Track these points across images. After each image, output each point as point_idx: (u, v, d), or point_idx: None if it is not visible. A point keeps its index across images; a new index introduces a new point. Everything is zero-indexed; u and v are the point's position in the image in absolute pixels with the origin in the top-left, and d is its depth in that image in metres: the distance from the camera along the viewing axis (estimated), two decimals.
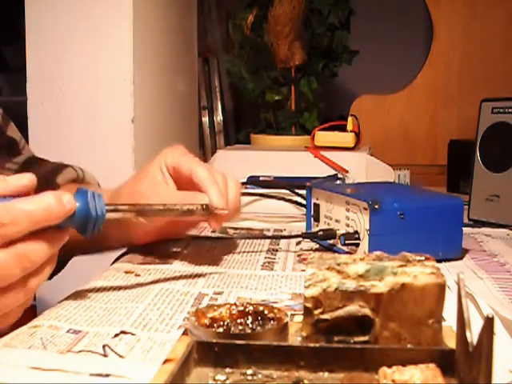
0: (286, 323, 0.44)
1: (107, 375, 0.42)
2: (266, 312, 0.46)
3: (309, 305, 0.42)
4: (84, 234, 0.53)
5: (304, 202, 0.92)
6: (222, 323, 0.45)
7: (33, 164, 0.83)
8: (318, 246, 0.82)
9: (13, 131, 0.86)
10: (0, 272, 0.47)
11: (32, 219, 0.47)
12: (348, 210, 0.75)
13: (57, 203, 0.49)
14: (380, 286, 0.41)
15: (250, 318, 0.45)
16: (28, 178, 0.51)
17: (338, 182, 1.08)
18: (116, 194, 0.70)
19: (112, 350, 0.46)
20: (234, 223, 0.98)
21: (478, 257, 0.76)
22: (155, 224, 0.69)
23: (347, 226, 0.75)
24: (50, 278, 0.81)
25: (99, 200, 0.53)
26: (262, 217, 1.03)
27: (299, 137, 1.46)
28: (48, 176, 0.79)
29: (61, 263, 0.81)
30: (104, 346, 0.47)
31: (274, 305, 0.54)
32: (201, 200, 0.64)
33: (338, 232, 0.75)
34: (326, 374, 0.39)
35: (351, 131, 1.21)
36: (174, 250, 0.79)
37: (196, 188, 0.67)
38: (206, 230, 0.93)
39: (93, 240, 0.65)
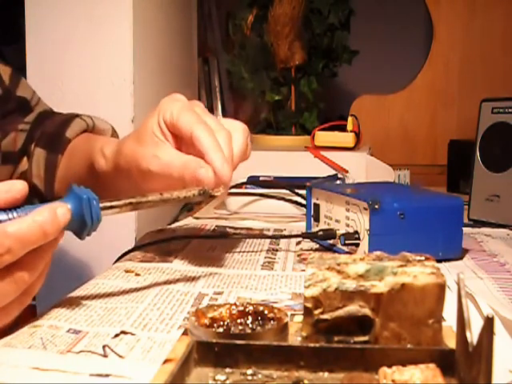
0: (286, 323, 0.44)
1: (107, 375, 0.42)
2: (265, 312, 0.46)
3: (309, 305, 0.42)
4: (79, 238, 0.53)
5: (304, 202, 0.92)
6: (221, 323, 0.45)
7: (43, 120, 0.80)
8: (318, 245, 0.82)
9: (24, 90, 0.83)
10: None
11: (27, 244, 0.46)
12: (348, 210, 0.75)
13: (51, 220, 0.47)
14: (380, 286, 0.41)
15: (249, 317, 0.45)
16: (17, 190, 0.48)
17: (338, 182, 1.08)
18: (119, 152, 0.66)
19: (112, 350, 0.46)
20: (234, 223, 0.98)
21: (477, 257, 0.76)
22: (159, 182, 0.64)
23: (347, 226, 0.75)
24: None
25: (94, 205, 0.51)
26: (261, 217, 1.03)
27: (299, 137, 1.46)
28: (57, 131, 0.76)
29: None
30: (104, 347, 0.47)
31: (274, 305, 0.54)
32: (205, 171, 0.60)
33: (338, 232, 0.75)
34: (326, 374, 0.39)
35: (351, 131, 1.21)
36: (174, 249, 0.79)
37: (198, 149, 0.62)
38: (206, 230, 0.93)
39: (104, 191, 0.64)
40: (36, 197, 0.75)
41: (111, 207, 0.54)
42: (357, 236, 0.73)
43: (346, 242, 0.73)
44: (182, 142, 0.65)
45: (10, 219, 0.47)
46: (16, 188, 0.48)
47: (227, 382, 0.38)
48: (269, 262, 0.74)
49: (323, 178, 1.07)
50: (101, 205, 0.53)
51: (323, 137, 1.20)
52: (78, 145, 0.75)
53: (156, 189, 0.65)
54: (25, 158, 0.77)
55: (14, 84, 0.81)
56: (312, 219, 0.85)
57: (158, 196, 0.58)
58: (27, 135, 0.78)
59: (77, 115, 0.80)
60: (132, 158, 0.65)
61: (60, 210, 0.48)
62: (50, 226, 0.47)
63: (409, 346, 0.42)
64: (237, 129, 0.66)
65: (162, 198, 0.58)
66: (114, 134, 0.85)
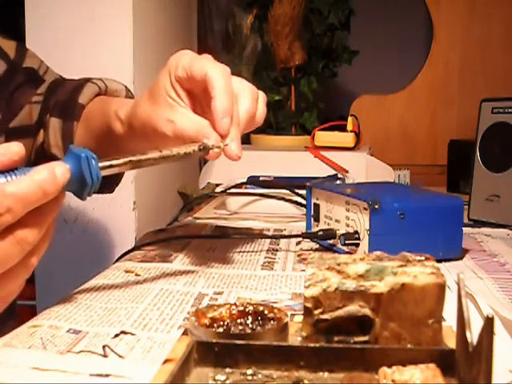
0: (286, 323, 0.44)
1: (107, 375, 0.42)
2: (266, 312, 0.46)
3: (309, 305, 0.42)
4: (80, 198, 0.51)
5: (304, 202, 0.92)
6: (222, 323, 0.45)
7: (55, 89, 0.79)
8: (318, 245, 0.82)
9: (31, 60, 0.81)
10: (0, 260, 0.46)
11: (27, 203, 0.46)
12: (348, 210, 0.75)
13: (51, 179, 0.47)
14: (380, 286, 0.41)
15: (249, 317, 0.45)
16: (14, 151, 0.48)
17: (338, 181, 1.08)
18: (134, 115, 0.66)
19: (112, 350, 0.46)
20: (234, 223, 0.98)
21: (477, 257, 0.76)
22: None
23: (347, 226, 0.75)
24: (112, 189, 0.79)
25: (93, 164, 0.50)
26: (262, 217, 1.03)
27: (299, 137, 1.46)
28: (70, 99, 0.75)
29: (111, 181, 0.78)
30: (104, 347, 0.47)
31: (274, 305, 0.54)
32: (210, 132, 0.60)
33: (338, 232, 0.75)
34: (326, 374, 0.39)
35: (351, 131, 1.21)
36: (174, 249, 0.79)
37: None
38: (206, 230, 0.93)
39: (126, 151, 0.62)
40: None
41: (110, 166, 0.53)
42: (357, 236, 0.73)
43: (346, 242, 0.73)
44: (197, 99, 0.64)
45: (8, 181, 0.47)
46: (12, 150, 0.48)
47: (227, 382, 0.38)
48: (269, 262, 0.74)
49: (323, 177, 1.07)
50: (100, 164, 0.51)
51: (323, 137, 1.20)
52: (92, 110, 0.75)
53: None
54: (42, 130, 0.76)
55: (21, 57, 0.80)
56: (312, 219, 0.85)
57: (158, 153, 0.56)
58: (42, 106, 0.77)
59: (88, 79, 0.79)
60: (147, 120, 0.63)
61: (58, 169, 0.48)
62: (49, 185, 0.47)
63: (409, 346, 0.42)
64: (246, 90, 0.64)
65: (162, 155, 0.57)
66: (128, 93, 0.83)
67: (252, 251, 0.80)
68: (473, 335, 0.34)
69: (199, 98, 0.64)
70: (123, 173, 0.77)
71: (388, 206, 0.70)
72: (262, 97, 0.66)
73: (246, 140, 1.62)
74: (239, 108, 0.62)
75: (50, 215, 0.49)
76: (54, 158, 0.72)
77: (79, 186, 0.50)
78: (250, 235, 0.89)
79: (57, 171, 0.48)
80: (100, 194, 0.77)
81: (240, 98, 0.63)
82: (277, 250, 0.80)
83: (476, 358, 0.33)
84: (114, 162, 0.53)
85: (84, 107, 0.74)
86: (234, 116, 0.60)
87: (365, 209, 0.71)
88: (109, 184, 0.79)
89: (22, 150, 0.48)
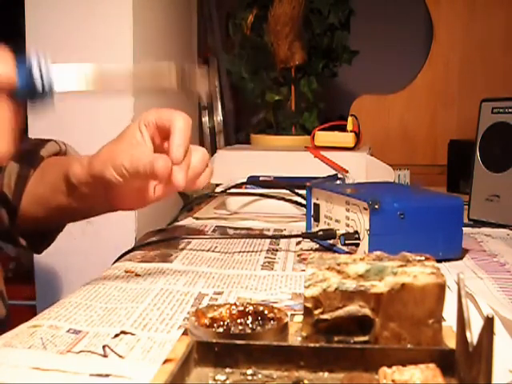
0: (286, 323, 0.44)
1: (107, 375, 0.42)
2: (266, 312, 0.46)
3: (309, 305, 0.42)
4: (33, 101, 0.48)
5: (304, 202, 0.92)
6: (222, 323, 0.45)
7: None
8: (318, 245, 0.82)
9: None
10: None
11: None
12: (348, 210, 0.75)
13: None
14: (380, 286, 0.41)
15: (249, 317, 0.45)
16: None
17: (338, 182, 1.08)
18: (96, 155, 0.69)
19: (112, 350, 0.46)
20: (234, 223, 0.98)
21: (477, 257, 0.76)
22: (130, 183, 0.67)
23: (347, 226, 0.75)
24: (52, 241, 0.82)
25: (45, 63, 0.48)
26: (262, 217, 1.03)
27: (299, 137, 1.46)
28: (32, 149, 0.79)
29: (52, 233, 0.82)
30: (104, 347, 0.47)
31: (274, 305, 0.54)
32: (160, 158, 0.63)
33: (338, 232, 0.75)
34: (326, 374, 0.39)
35: (351, 131, 1.21)
36: (174, 249, 0.79)
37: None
38: (206, 230, 0.93)
39: (82, 208, 0.71)
40: (3, 205, 0.77)
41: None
42: (357, 236, 0.73)
43: (346, 242, 0.73)
44: (158, 147, 0.68)
45: None
46: None
47: (227, 382, 0.38)
48: (269, 262, 0.74)
49: (323, 177, 1.07)
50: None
51: (323, 137, 1.20)
52: (51, 162, 0.79)
53: (127, 195, 0.69)
54: None
55: None
56: (312, 219, 0.85)
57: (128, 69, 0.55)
58: None
59: (50, 139, 0.84)
60: (108, 156, 0.67)
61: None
62: None
63: (409, 346, 0.42)
64: (201, 150, 0.70)
65: (134, 71, 0.56)
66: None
67: (252, 251, 0.80)
68: (473, 335, 0.34)
69: (161, 146, 0.68)
70: (55, 235, 0.82)
71: (388, 206, 0.70)
72: (211, 164, 0.72)
73: (245, 140, 1.62)
74: (191, 159, 0.67)
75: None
76: (3, 196, 0.76)
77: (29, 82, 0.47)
78: (250, 235, 0.89)
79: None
80: (29, 250, 0.81)
81: (194, 152, 0.68)
82: (277, 250, 0.80)
83: (476, 358, 0.33)
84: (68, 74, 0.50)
85: (43, 159, 0.78)
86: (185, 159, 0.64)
87: (365, 209, 0.71)
88: (38, 244, 0.82)
89: None
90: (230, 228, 0.94)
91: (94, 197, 0.71)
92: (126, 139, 0.68)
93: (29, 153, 0.79)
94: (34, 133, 1.26)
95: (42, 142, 0.81)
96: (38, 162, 0.78)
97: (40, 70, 0.46)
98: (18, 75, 0.46)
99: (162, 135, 0.68)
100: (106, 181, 0.66)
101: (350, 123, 1.21)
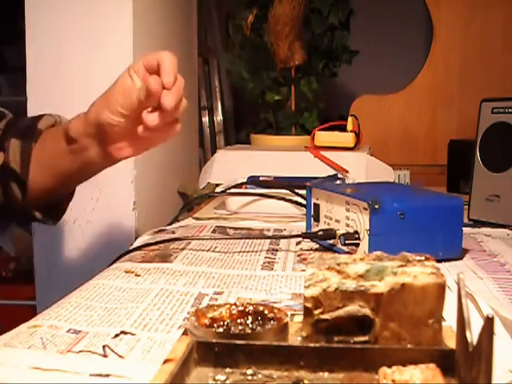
0: (286, 323, 0.44)
1: (107, 375, 0.42)
2: (266, 312, 0.46)
3: (309, 305, 0.42)
4: None
5: (304, 201, 0.92)
6: (222, 323, 0.45)
7: (13, 121, 0.87)
8: (318, 246, 0.82)
9: None
10: None
11: None
12: (348, 210, 0.75)
13: None
14: (380, 286, 0.41)
15: (249, 318, 0.45)
16: None
17: (338, 181, 1.08)
18: (91, 105, 0.74)
19: (112, 350, 0.46)
20: (234, 223, 0.98)
21: (477, 257, 0.76)
22: (126, 123, 0.71)
23: (347, 226, 0.75)
24: (64, 210, 0.86)
25: None
26: (262, 217, 1.03)
27: (299, 137, 1.46)
28: (30, 125, 0.83)
29: (68, 195, 0.85)
30: (104, 347, 0.47)
31: (274, 305, 0.54)
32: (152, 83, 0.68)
33: (338, 232, 0.75)
34: (326, 374, 0.39)
35: (351, 131, 1.20)
36: (174, 249, 0.79)
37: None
38: (206, 230, 0.93)
39: (82, 166, 0.76)
40: (13, 178, 0.80)
41: None
42: (357, 236, 0.73)
43: (346, 242, 0.73)
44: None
45: None
46: None
47: (227, 382, 0.38)
48: (269, 262, 0.74)
49: (323, 178, 1.07)
50: None
51: (323, 137, 1.20)
52: (50, 131, 0.82)
53: (124, 139, 0.73)
54: (1, 153, 0.83)
55: None
56: (312, 219, 0.85)
57: None
58: (1, 136, 0.84)
59: (46, 113, 0.87)
60: (102, 102, 0.72)
61: None
62: None
63: (409, 346, 0.42)
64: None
65: None
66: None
67: (252, 251, 0.80)
68: (473, 335, 0.34)
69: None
70: (66, 204, 0.86)
71: (388, 206, 0.70)
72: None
73: (246, 140, 1.62)
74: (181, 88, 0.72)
75: None
76: (13, 171, 0.80)
77: None
78: (250, 235, 0.89)
79: None
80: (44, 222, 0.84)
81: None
82: (277, 250, 0.80)
83: (476, 358, 0.33)
84: None
85: (42, 132, 0.82)
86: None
87: (365, 209, 0.71)
88: (53, 215, 0.85)
89: None
90: (229, 228, 0.94)
91: (93, 149, 0.74)
92: (117, 86, 0.72)
93: (27, 128, 0.82)
94: None
95: (39, 117, 0.85)
96: (38, 135, 0.81)
97: None
98: None
99: (152, 74, 0.72)
100: (103, 125, 0.71)
101: (349, 123, 1.21)
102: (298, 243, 0.84)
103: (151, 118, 0.70)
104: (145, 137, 0.72)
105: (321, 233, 0.77)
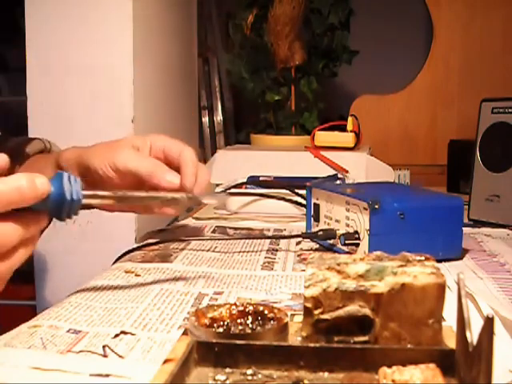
0: (286, 323, 0.44)
1: (107, 375, 0.42)
2: (266, 312, 0.46)
3: (309, 305, 0.42)
4: (59, 219, 0.51)
5: (304, 201, 0.92)
6: (222, 323, 0.45)
7: (1, 141, 0.85)
8: (318, 246, 0.82)
9: None
10: None
11: (2, 200, 0.46)
12: (348, 210, 0.75)
13: (29, 185, 0.47)
14: (380, 286, 0.41)
15: (249, 317, 0.45)
16: (1, 158, 0.50)
17: (338, 181, 1.08)
18: (90, 146, 0.72)
19: (112, 350, 0.46)
20: (234, 223, 0.98)
21: (477, 257, 0.76)
22: (116, 181, 0.70)
23: (347, 226, 0.75)
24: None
25: (76, 184, 0.51)
26: (262, 217, 1.03)
27: (299, 137, 1.46)
28: (17, 147, 0.81)
29: None
30: (104, 347, 0.47)
31: (274, 305, 0.54)
32: (172, 175, 0.68)
33: (338, 232, 0.75)
34: (326, 374, 0.39)
35: (351, 131, 1.20)
36: (174, 249, 0.79)
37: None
38: (206, 230, 0.93)
39: None
40: None
41: (94, 195, 0.54)
42: (357, 236, 0.73)
43: (346, 242, 0.73)
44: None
45: None
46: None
47: (227, 382, 0.38)
48: (269, 262, 0.74)
49: (323, 178, 1.07)
50: (84, 192, 0.52)
51: (323, 137, 1.20)
52: (39, 157, 0.80)
53: (113, 185, 0.70)
54: None
55: None
56: (312, 219, 0.85)
57: (144, 193, 0.59)
58: None
59: (35, 137, 0.86)
60: (103, 149, 0.70)
61: (39, 179, 0.48)
62: (27, 189, 0.47)
63: (409, 346, 0.42)
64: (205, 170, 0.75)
65: (148, 196, 0.59)
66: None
67: (252, 251, 0.80)
68: (473, 335, 0.34)
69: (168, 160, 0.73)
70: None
71: (388, 206, 0.70)
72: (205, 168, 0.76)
73: (246, 140, 1.62)
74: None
75: (30, 225, 0.48)
76: None
77: (58, 205, 0.50)
78: (250, 235, 0.89)
79: (37, 180, 0.48)
80: None
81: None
82: (277, 250, 0.80)
83: (476, 358, 0.33)
84: (98, 193, 0.54)
85: (29, 156, 0.80)
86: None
87: (365, 209, 0.71)
88: None
89: (6, 160, 0.50)
90: (229, 228, 0.94)
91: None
92: (125, 141, 0.71)
93: (14, 150, 0.80)
94: (34, 132, 1.26)
95: (28, 140, 0.83)
96: (24, 159, 0.79)
97: (69, 183, 0.50)
98: (52, 185, 0.50)
99: (169, 165, 0.72)
100: (90, 170, 0.69)
101: (349, 123, 1.21)
102: (298, 243, 0.84)
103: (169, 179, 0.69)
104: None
105: (321, 233, 0.77)
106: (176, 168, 0.72)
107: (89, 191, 0.53)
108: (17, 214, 0.48)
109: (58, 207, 0.50)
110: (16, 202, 0.47)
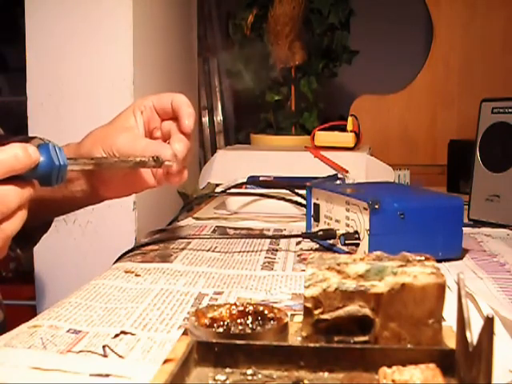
0: (286, 323, 0.44)
1: (107, 375, 0.42)
2: (266, 312, 0.46)
3: (309, 305, 0.42)
4: (49, 185, 0.54)
5: (304, 202, 0.92)
6: (222, 323, 0.45)
7: (2, 139, 0.84)
8: (318, 246, 0.82)
9: None
10: None
11: (2, 167, 0.49)
12: (348, 210, 0.75)
13: (23, 153, 0.50)
14: (380, 286, 0.41)
15: (249, 318, 0.45)
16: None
17: (338, 181, 1.08)
18: (85, 137, 0.72)
19: (112, 350, 0.46)
20: (234, 223, 0.98)
21: (477, 257, 0.76)
22: (114, 175, 0.70)
23: (347, 226, 0.75)
24: (35, 242, 0.84)
25: (61, 152, 0.54)
26: (262, 217, 1.03)
27: (299, 137, 1.46)
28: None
29: (44, 226, 0.83)
30: (104, 347, 0.47)
31: (274, 305, 0.54)
32: (164, 149, 0.66)
33: (338, 232, 0.75)
34: (326, 374, 0.39)
35: (351, 131, 1.20)
36: (174, 249, 0.79)
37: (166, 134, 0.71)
38: (206, 230, 0.93)
39: (63, 199, 0.72)
40: None
41: (75, 163, 0.58)
42: (357, 236, 0.73)
43: (346, 242, 0.73)
44: (152, 131, 0.72)
45: None
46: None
47: (227, 382, 0.38)
48: (269, 262, 0.74)
49: (323, 177, 1.07)
50: (67, 157, 0.55)
51: (323, 137, 1.20)
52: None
53: (114, 181, 0.71)
54: None
55: None
56: (312, 219, 0.85)
57: (116, 158, 0.64)
58: None
59: (35, 136, 0.86)
60: (98, 137, 0.70)
61: (30, 148, 0.51)
62: (22, 157, 0.50)
63: (409, 346, 0.42)
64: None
65: (120, 160, 0.64)
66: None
67: (252, 251, 0.80)
68: (473, 335, 0.34)
69: (153, 132, 0.73)
70: (40, 236, 0.84)
71: (388, 206, 0.70)
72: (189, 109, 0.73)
73: (246, 140, 1.62)
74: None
75: (24, 191, 0.51)
76: None
77: (48, 171, 0.53)
78: (250, 235, 0.89)
79: (29, 149, 0.51)
80: (20, 250, 0.82)
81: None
82: (277, 250, 0.80)
83: (476, 358, 0.33)
84: (78, 160, 0.59)
85: None
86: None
87: (365, 209, 0.71)
88: (22, 244, 0.83)
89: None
90: (229, 228, 0.94)
91: (79, 184, 0.72)
92: (118, 123, 0.71)
93: None
94: (34, 132, 1.26)
95: (28, 138, 0.83)
96: None
97: (55, 151, 0.54)
98: (41, 153, 0.53)
99: (164, 116, 0.71)
100: (88, 176, 0.69)
101: (349, 123, 1.21)
102: (298, 243, 0.84)
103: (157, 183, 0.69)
104: (136, 179, 0.70)
105: (321, 233, 0.77)
106: (173, 117, 0.71)
107: (71, 159, 0.56)
108: (14, 179, 0.50)
109: (48, 173, 0.53)
110: (13, 169, 0.50)
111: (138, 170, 0.69)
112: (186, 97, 0.72)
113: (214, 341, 0.40)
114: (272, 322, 0.45)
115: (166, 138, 0.71)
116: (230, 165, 1.15)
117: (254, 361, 0.39)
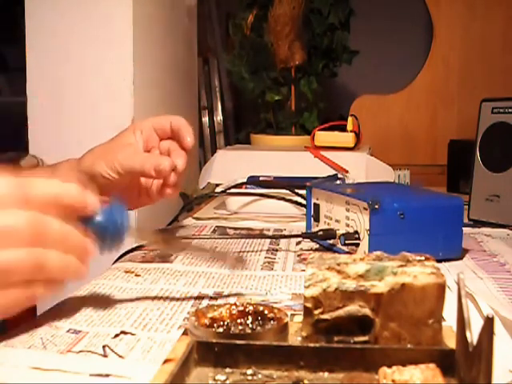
0: (286, 323, 0.44)
1: (107, 375, 0.42)
2: (266, 312, 0.46)
3: (309, 305, 0.42)
4: (102, 245, 0.54)
5: (304, 202, 0.92)
6: (222, 323, 0.45)
7: None
8: (318, 246, 0.82)
9: None
10: (10, 266, 0.45)
11: (45, 195, 0.48)
12: (348, 210, 0.75)
13: (78, 189, 0.50)
14: (380, 286, 0.41)
15: (249, 318, 0.45)
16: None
17: (338, 181, 1.08)
18: (87, 152, 0.74)
19: (112, 350, 0.46)
20: (234, 223, 0.98)
21: (477, 257, 0.76)
22: (119, 182, 0.71)
23: (347, 226, 0.75)
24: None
25: (123, 209, 0.53)
26: (261, 217, 1.03)
27: (299, 137, 1.46)
28: (12, 160, 0.83)
29: None
30: (104, 347, 0.47)
31: (274, 305, 0.54)
32: (163, 159, 0.69)
33: (338, 232, 0.75)
34: (326, 374, 0.39)
35: (351, 131, 1.20)
36: (174, 249, 0.79)
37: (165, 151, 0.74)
38: (206, 230, 0.93)
39: None
40: None
41: (138, 230, 0.58)
42: (357, 236, 0.73)
43: (346, 242, 0.73)
44: (150, 150, 0.74)
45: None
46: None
47: (227, 382, 0.38)
48: (269, 262, 0.74)
49: (323, 178, 1.07)
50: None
51: (323, 137, 1.20)
52: (34, 170, 0.82)
53: (113, 188, 0.71)
54: None
55: None
56: (312, 219, 0.85)
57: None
58: None
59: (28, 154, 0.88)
60: (100, 152, 0.72)
61: (90, 195, 0.51)
62: (74, 191, 0.50)
63: (409, 346, 0.42)
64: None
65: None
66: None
67: (252, 251, 0.80)
68: (473, 335, 0.34)
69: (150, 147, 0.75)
70: None
71: (388, 206, 0.70)
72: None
73: (246, 140, 1.62)
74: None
75: (75, 240, 0.50)
76: None
77: (106, 228, 0.52)
78: (250, 235, 0.89)
79: (87, 194, 0.51)
80: None
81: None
82: (277, 250, 0.80)
83: (476, 358, 0.33)
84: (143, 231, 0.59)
85: (23, 169, 0.83)
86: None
87: (365, 209, 0.71)
88: None
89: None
90: (229, 228, 0.94)
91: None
92: (118, 140, 0.73)
93: (10, 163, 0.80)
94: (34, 134, 1.26)
95: (22, 156, 0.84)
96: (19, 172, 0.80)
97: (120, 211, 0.53)
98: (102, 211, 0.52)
99: (162, 136, 0.74)
100: (96, 176, 0.70)
101: (349, 123, 1.21)
102: (298, 243, 0.84)
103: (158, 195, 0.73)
104: (134, 195, 0.73)
105: (321, 233, 0.77)
106: (172, 136, 0.74)
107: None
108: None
109: (104, 233, 0.52)
110: (62, 197, 0.49)
111: (134, 188, 0.73)
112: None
113: (214, 341, 0.40)
114: (272, 321, 0.45)
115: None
116: (229, 165, 1.15)
117: (254, 361, 0.39)
